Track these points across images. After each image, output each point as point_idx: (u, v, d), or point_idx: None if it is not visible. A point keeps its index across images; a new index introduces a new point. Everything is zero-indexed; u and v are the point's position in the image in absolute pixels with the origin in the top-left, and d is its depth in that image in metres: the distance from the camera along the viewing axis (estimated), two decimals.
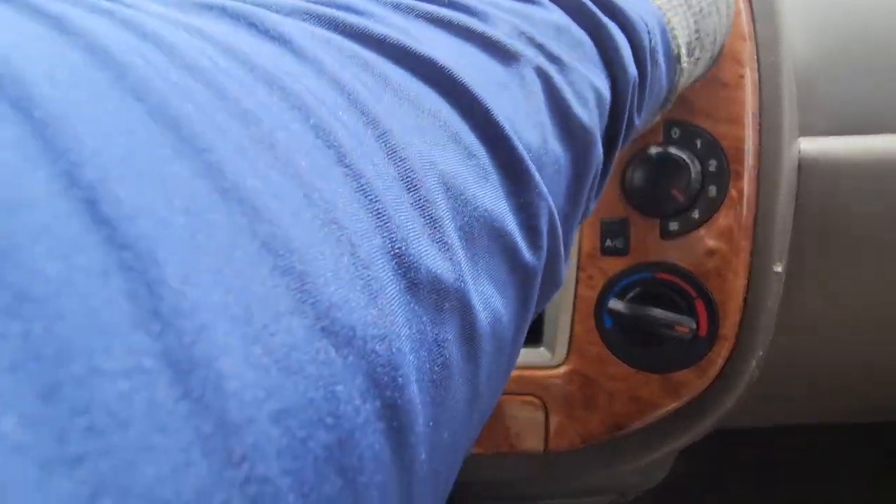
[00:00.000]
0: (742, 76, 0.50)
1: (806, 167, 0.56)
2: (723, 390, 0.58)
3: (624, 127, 0.30)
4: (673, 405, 0.58)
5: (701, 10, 0.38)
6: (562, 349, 0.59)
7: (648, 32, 0.31)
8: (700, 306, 0.55)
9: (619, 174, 0.53)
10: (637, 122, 0.32)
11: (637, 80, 0.30)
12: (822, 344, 0.64)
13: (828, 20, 0.63)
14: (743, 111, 0.51)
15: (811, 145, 0.56)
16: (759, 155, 0.52)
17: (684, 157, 0.50)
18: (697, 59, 0.39)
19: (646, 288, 0.55)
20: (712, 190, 0.52)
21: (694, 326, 0.54)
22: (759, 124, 0.51)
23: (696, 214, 0.52)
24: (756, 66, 0.51)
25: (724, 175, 0.51)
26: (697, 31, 0.38)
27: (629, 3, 0.31)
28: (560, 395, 0.60)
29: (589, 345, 0.58)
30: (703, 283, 0.54)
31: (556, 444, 0.63)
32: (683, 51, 0.36)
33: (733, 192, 0.52)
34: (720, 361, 0.56)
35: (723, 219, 0.52)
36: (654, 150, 0.51)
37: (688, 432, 0.61)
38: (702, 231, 0.52)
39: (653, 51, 0.32)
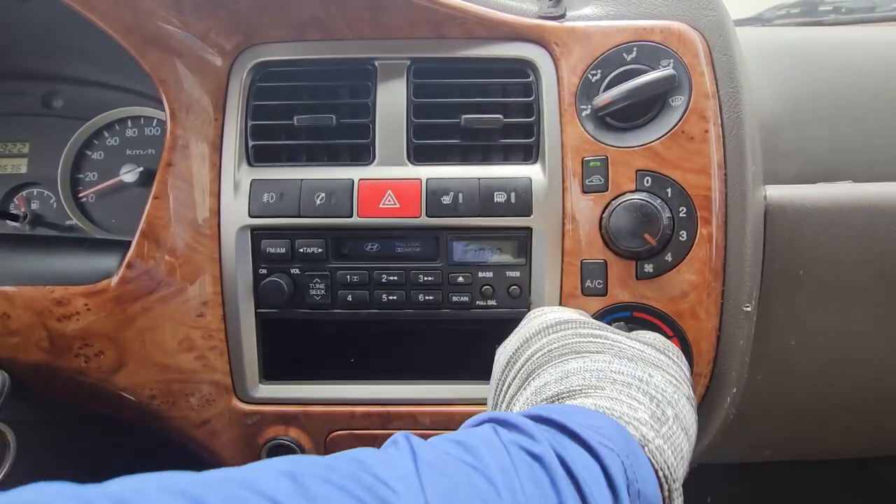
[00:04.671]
0: (707, 131, 0.54)
1: (773, 213, 0.59)
2: (701, 426, 0.60)
3: None
4: None
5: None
6: None
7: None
8: (676, 344, 0.57)
9: (598, 220, 0.56)
10: None
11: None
12: (797, 381, 0.66)
13: (793, 76, 0.68)
14: (708, 162, 0.54)
15: (777, 192, 0.60)
16: (726, 202, 0.55)
17: (656, 204, 0.54)
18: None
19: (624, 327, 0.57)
20: (683, 234, 0.55)
21: None
22: (725, 174, 0.55)
23: (668, 257, 0.55)
24: (720, 121, 0.55)
25: (694, 221, 0.55)
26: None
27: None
28: None
29: None
30: (677, 322, 0.56)
31: None
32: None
33: (703, 237, 0.55)
34: (696, 398, 0.58)
35: (694, 261, 0.55)
36: (628, 197, 0.55)
37: None
38: (675, 273, 0.56)
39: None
